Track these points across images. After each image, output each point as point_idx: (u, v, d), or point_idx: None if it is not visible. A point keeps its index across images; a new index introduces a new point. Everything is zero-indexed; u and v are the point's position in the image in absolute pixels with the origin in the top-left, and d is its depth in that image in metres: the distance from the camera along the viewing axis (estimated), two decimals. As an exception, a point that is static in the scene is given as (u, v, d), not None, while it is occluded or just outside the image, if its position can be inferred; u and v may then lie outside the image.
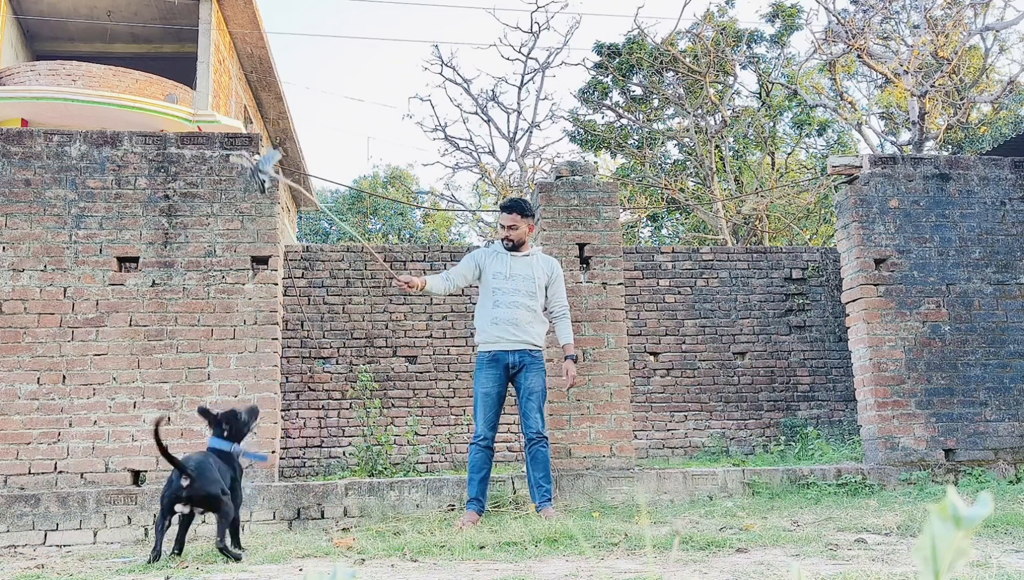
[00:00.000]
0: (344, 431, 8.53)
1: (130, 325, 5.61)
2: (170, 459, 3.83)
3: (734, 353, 9.19)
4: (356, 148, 73.60)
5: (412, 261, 8.88)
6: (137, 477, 5.48)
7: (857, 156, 6.60)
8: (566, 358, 5.19)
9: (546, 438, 5.09)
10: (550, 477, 5.04)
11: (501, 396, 5.13)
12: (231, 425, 4.24)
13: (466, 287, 5.92)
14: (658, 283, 9.21)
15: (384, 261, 6.05)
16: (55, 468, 5.41)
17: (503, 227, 5.28)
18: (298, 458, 8.41)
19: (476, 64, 61.66)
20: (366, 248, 5.77)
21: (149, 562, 3.82)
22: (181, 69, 18.08)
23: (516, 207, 5.27)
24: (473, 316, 8.77)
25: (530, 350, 5.13)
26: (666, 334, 9.15)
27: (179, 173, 5.85)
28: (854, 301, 6.38)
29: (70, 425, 5.45)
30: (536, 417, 5.05)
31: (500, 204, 5.52)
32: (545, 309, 5.31)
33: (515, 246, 5.24)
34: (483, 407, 5.08)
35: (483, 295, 5.26)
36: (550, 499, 4.98)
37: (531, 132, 19.06)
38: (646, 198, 18.55)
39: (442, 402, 8.70)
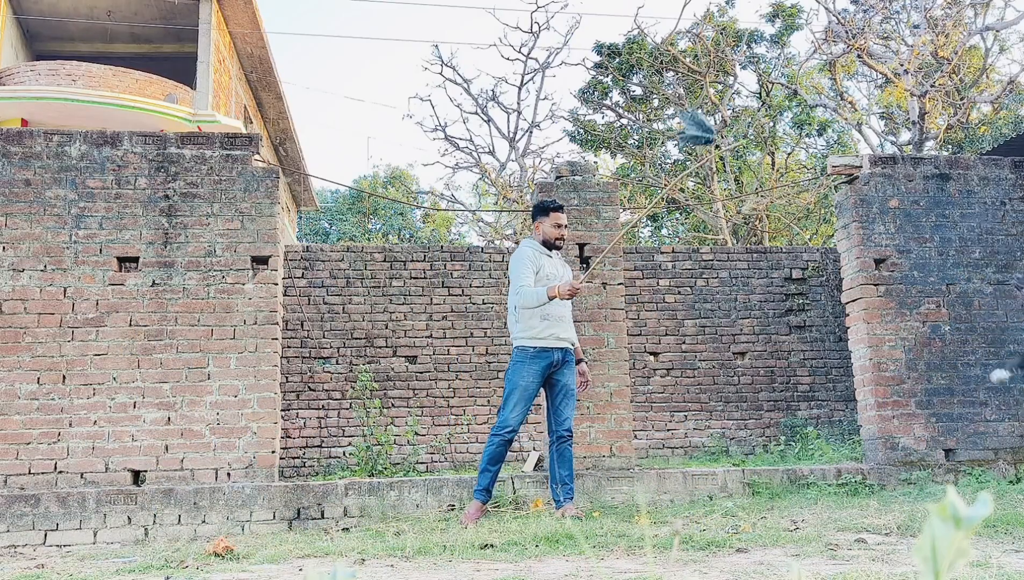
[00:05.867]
0: (344, 431, 8.53)
1: (130, 325, 5.61)
2: None
3: (734, 353, 9.19)
4: (356, 148, 73.62)
5: (412, 261, 8.88)
6: (137, 477, 5.48)
7: (857, 156, 6.60)
8: (579, 361, 5.29)
9: (572, 435, 5.19)
10: (573, 475, 5.15)
11: (537, 393, 5.17)
12: None
13: None
14: (658, 283, 9.21)
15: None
16: (55, 468, 5.41)
17: (559, 226, 5.23)
18: (298, 458, 8.41)
19: (476, 64, 61.65)
20: None
21: None
22: (181, 69, 18.08)
23: (564, 207, 5.37)
24: (474, 317, 8.79)
25: (570, 349, 5.22)
26: (666, 334, 9.15)
27: (179, 173, 5.85)
28: (854, 301, 6.37)
29: (70, 425, 5.45)
30: (569, 414, 5.15)
31: (549, 204, 5.28)
32: None
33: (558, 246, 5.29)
34: (521, 400, 5.04)
35: None
36: (572, 497, 5.07)
37: (531, 132, 19.06)
38: (646, 198, 18.55)
39: (442, 402, 8.70)
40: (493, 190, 20.58)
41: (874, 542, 3.66)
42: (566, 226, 5.25)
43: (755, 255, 9.49)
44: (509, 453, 8.57)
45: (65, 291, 5.61)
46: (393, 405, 8.59)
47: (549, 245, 5.25)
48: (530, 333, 5.13)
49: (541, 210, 5.32)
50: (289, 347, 8.50)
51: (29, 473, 5.39)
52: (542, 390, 5.28)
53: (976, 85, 17.00)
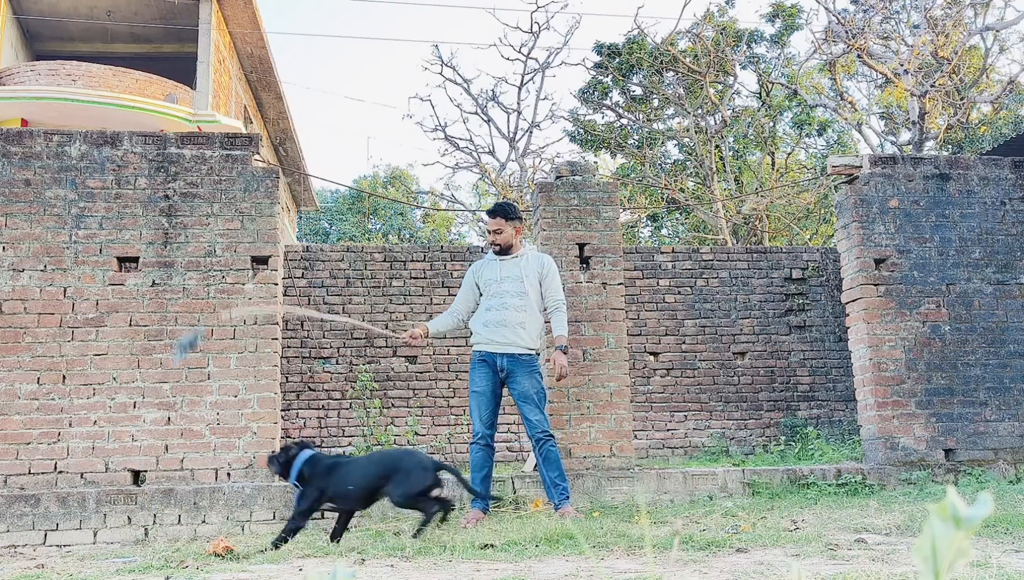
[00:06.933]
0: (344, 431, 8.53)
1: (130, 325, 5.62)
2: None
3: (734, 353, 9.19)
4: (356, 148, 73.64)
5: (412, 261, 8.88)
6: (137, 477, 5.48)
7: (857, 156, 6.60)
8: (556, 349, 5.17)
9: (552, 436, 5.13)
10: (564, 475, 5.09)
11: (495, 394, 5.15)
12: None
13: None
14: (658, 283, 9.21)
15: (373, 325, 5.89)
16: (55, 468, 5.41)
17: (489, 232, 5.35)
18: (298, 458, 8.40)
19: (476, 64, 61.71)
20: (359, 326, 5.73)
21: None
22: (181, 69, 18.07)
23: (500, 211, 5.32)
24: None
25: (519, 354, 5.13)
26: (666, 334, 9.15)
27: (179, 173, 5.85)
28: (854, 301, 6.37)
29: (70, 425, 5.45)
30: (536, 418, 5.08)
31: (487, 210, 5.54)
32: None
33: (503, 250, 5.27)
34: (476, 406, 5.15)
35: (480, 302, 5.34)
36: (568, 497, 5.04)
37: (531, 132, 19.04)
38: (646, 198, 18.55)
39: (442, 402, 8.70)
40: (493, 190, 20.57)
41: (874, 542, 3.66)
42: (493, 232, 5.30)
43: (755, 255, 9.49)
44: (509, 453, 8.58)
45: (65, 291, 5.61)
46: (393, 405, 8.59)
47: (493, 251, 5.34)
48: (474, 338, 5.27)
49: None
50: (289, 347, 8.50)
51: (29, 473, 5.39)
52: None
53: (976, 85, 17.00)
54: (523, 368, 5.12)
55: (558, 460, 5.07)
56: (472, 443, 5.15)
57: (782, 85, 17.24)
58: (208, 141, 5.93)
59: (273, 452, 4.70)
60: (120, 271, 5.71)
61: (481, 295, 5.35)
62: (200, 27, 16.74)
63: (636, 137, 17.99)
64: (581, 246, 6.20)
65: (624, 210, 18.23)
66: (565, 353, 5.18)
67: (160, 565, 3.79)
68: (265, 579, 3.36)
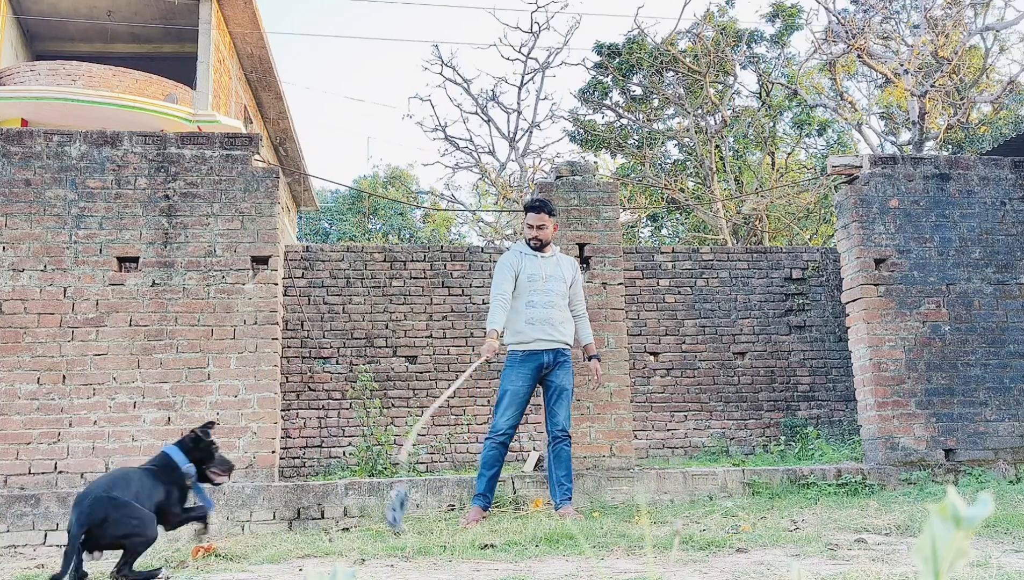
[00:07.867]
0: (344, 431, 8.52)
1: (130, 325, 5.61)
2: None
3: (734, 353, 9.18)
4: (356, 148, 73.67)
5: (412, 261, 8.87)
6: (137, 477, 5.47)
7: (857, 156, 6.59)
8: (590, 358, 5.29)
9: (570, 437, 5.17)
10: (571, 475, 5.11)
11: (528, 396, 5.16)
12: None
13: None
14: (658, 283, 9.21)
15: (467, 373, 5.35)
16: (55, 468, 5.41)
17: (531, 227, 5.28)
18: (298, 458, 8.41)
19: (476, 64, 61.74)
20: (462, 380, 5.27)
21: None
22: (181, 69, 18.08)
23: (544, 207, 5.30)
24: (474, 317, 8.78)
25: (562, 349, 5.20)
26: (666, 334, 9.15)
27: (179, 173, 5.85)
28: (854, 301, 6.37)
29: (70, 425, 5.45)
30: (563, 415, 5.13)
31: (526, 204, 5.42)
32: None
33: (542, 246, 5.27)
34: (510, 404, 5.09)
35: (514, 297, 5.24)
36: (570, 498, 5.04)
37: (531, 132, 19.03)
38: (646, 198, 18.55)
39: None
40: (493, 190, 20.57)
41: (874, 542, 3.66)
42: (537, 227, 5.24)
43: (755, 255, 9.49)
44: (509, 453, 8.57)
45: (65, 291, 5.61)
46: (393, 405, 8.59)
47: (530, 245, 5.31)
48: (517, 337, 5.19)
49: (524, 211, 5.44)
50: (289, 347, 8.50)
51: (29, 473, 5.39)
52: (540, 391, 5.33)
53: (976, 85, 17.00)
54: (566, 363, 5.21)
55: (568, 460, 5.10)
56: (488, 439, 5.11)
57: (782, 85, 17.24)
58: (208, 141, 5.93)
59: None
60: (120, 271, 5.71)
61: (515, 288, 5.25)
62: (200, 27, 16.74)
63: (636, 137, 17.99)
64: (581, 246, 6.20)
65: (624, 210, 18.23)
66: (600, 360, 5.37)
67: (160, 565, 3.78)
68: (265, 579, 3.36)
